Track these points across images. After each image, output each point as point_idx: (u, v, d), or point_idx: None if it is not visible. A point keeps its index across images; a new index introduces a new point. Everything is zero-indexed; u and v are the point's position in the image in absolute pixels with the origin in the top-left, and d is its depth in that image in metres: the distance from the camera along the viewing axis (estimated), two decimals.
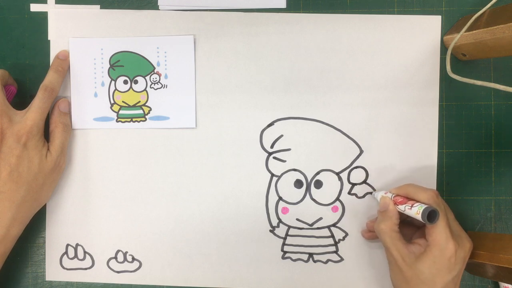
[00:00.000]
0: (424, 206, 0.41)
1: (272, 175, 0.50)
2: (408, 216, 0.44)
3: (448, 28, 0.49)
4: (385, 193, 0.46)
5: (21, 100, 0.49)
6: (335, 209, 0.50)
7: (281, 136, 0.50)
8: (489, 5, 0.45)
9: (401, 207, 0.43)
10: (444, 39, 0.49)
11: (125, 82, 0.50)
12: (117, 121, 0.50)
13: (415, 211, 0.41)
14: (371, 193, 0.49)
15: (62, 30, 0.49)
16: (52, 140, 0.47)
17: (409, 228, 0.47)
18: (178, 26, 0.49)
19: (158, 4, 0.49)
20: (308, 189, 0.50)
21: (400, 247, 0.43)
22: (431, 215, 0.41)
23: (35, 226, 0.50)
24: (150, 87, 0.49)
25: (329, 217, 0.50)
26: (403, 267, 0.42)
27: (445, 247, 0.41)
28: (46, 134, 0.48)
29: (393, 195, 0.45)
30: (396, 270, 0.43)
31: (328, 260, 0.50)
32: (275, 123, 0.50)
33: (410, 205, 0.42)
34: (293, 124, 0.50)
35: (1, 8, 0.50)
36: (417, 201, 0.43)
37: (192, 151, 0.50)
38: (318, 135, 0.49)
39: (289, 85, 0.49)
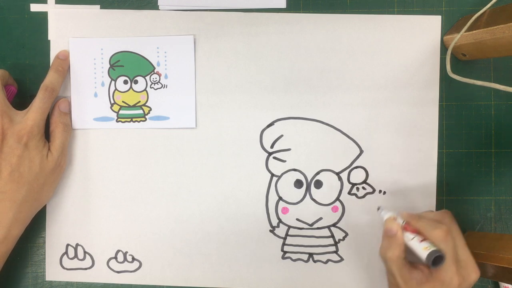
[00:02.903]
0: (431, 249, 0.40)
1: (272, 175, 0.50)
2: None
3: (448, 28, 0.49)
4: (394, 216, 0.44)
5: (21, 100, 0.49)
6: (335, 209, 0.50)
7: (281, 136, 0.50)
8: (489, 5, 0.45)
9: (408, 239, 0.42)
10: (444, 39, 0.49)
11: (125, 82, 0.50)
12: (117, 121, 0.50)
13: (420, 252, 0.40)
14: (371, 193, 0.49)
15: (62, 30, 0.49)
16: (53, 140, 0.47)
17: None
18: (178, 26, 0.49)
19: (158, 4, 0.49)
20: (308, 189, 0.50)
21: (404, 273, 0.42)
22: (436, 259, 0.40)
23: (35, 226, 0.50)
24: (150, 87, 0.49)
25: (329, 217, 0.50)
26: None
27: (449, 283, 0.40)
28: (47, 134, 0.48)
29: (404, 222, 0.43)
30: None
31: (328, 260, 0.50)
32: (275, 123, 0.50)
33: (418, 241, 0.41)
34: (293, 124, 0.50)
35: (1, 8, 0.50)
36: (424, 241, 0.41)
37: (192, 151, 0.50)
38: (318, 135, 0.49)
39: (289, 85, 0.49)
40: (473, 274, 0.42)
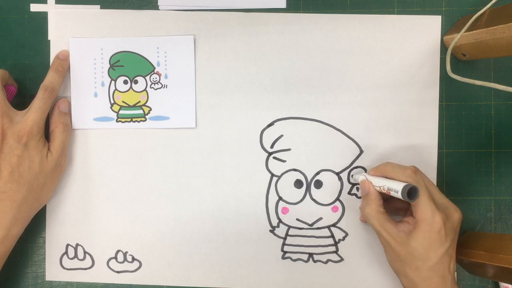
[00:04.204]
0: (403, 185, 0.41)
1: (272, 175, 0.50)
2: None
3: (448, 28, 0.49)
4: (364, 175, 0.47)
5: (21, 100, 0.49)
6: (335, 209, 0.50)
7: (281, 136, 0.50)
8: (489, 5, 0.45)
9: (382, 188, 0.44)
10: (444, 39, 0.49)
11: (125, 82, 0.50)
12: (117, 121, 0.50)
13: (395, 191, 0.42)
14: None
15: (62, 30, 0.49)
16: (53, 140, 0.47)
17: (400, 204, 0.47)
18: (178, 26, 0.49)
19: (158, 4, 0.49)
20: (308, 189, 0.50)
21: (389, 227, 0.43)
22: (411, 192, 0.41)
23: (35, 226, 0.50)
24: (150, 87, 0.49)
25: (329, 217, 0.50)
26: (396, 247, 0.43)
27: (433, 221, 0.41)
28: (47, 134, 0.48)
29: (373, 176, 0.46)
30: (390, 251, 0.44)
31: (328, 260, 0.50)
32: (275, 123, 0.50)
33: (390, 183, 0.43)
34: (293, 124, 0.50)
35: (1, 8, 0.50)
36: (396, 180, 0.43)
37: (192, 151, 0.50)
38: (318, 135, 0.49)
39: (289, 85, 0.49)
40: (456, 213, 0.44)
